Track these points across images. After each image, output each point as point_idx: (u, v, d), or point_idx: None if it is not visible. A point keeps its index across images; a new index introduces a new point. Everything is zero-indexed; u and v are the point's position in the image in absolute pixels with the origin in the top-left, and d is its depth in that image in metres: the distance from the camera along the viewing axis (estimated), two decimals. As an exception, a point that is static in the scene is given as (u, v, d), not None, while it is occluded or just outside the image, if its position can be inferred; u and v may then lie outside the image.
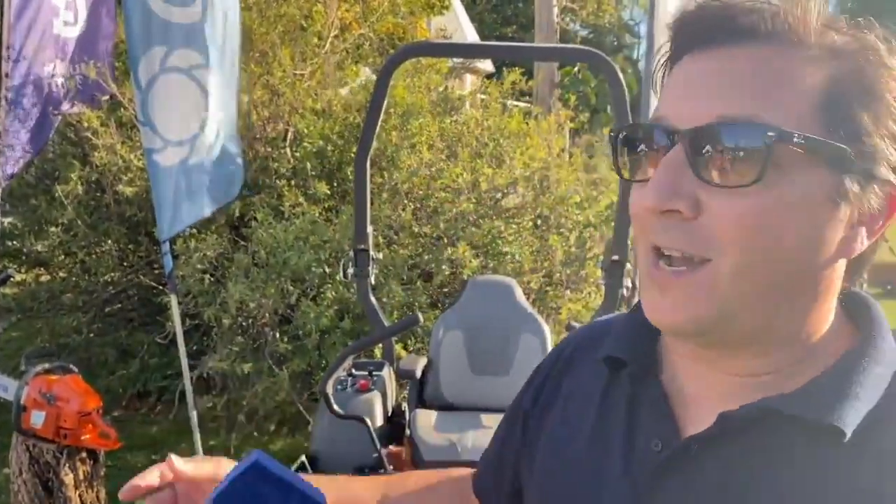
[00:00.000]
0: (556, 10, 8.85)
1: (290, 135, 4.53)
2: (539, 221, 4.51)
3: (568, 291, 4.35)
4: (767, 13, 0.59)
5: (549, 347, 2.97)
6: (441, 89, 4.87)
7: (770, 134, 0.56)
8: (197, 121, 3.01)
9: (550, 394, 0.81)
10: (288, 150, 4.42)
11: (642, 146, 0.64)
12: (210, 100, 3.04)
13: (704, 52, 0.61)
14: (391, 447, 2.79)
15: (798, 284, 0.60)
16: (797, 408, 0.59)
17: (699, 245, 0.59)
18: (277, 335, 3.94)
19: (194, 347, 4.11)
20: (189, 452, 3.96)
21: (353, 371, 2.90)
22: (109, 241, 4.64)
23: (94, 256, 4.71)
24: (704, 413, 0.64)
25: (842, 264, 0.61)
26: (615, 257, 2.96)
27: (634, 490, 0.66)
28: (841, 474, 0.58)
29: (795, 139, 0.56)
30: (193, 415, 3.09)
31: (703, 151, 0.58)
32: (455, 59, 6.07)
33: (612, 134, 0.67)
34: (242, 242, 4.16)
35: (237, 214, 4.29)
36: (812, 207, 0.58)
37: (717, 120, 0.58)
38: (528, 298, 3.18)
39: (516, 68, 5.22)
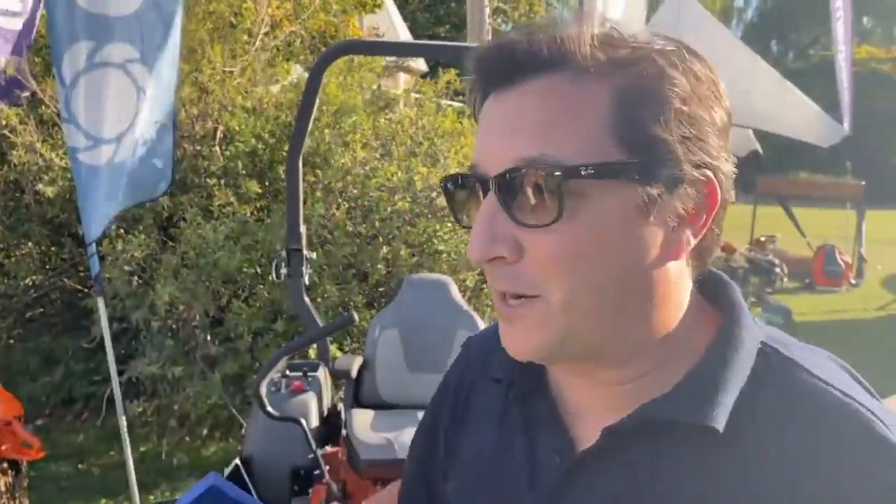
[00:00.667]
0: (488, 11, 8.91)
1: (219, 133, 4.45)
2: (474, 220, 4.54)
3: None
4: (543, 42, 0.59)
5: (485, 344, 3.00)
6: (375, 87, 4.85)
7: (556, 173, 0.57)
8: (129, 117, 2.90)
9: (462, 410, 0.82)
10: (217, 148, 4.34)
11: (466, 195, 0.66)
12: (144, 96, 2.94)
13: (501, 92, 0.62)
14: (327, 448, 2.77)
15: (633, 296, 0.62)
16: (669, 412, 0.61)
17: (525, 285, 0.61)
18: (208, 338, 3.86)
19: (122, 351, 4.00)
20: (118, 460, 3.85)
21: (288, 372, 2.87)
22: (30, 244, 4.47)
23: (13, 259, 4.53)
24: (594, 425, 0.66)
25: (675, 266, 0.62)
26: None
27: (554, 483, 0.68)
28: (721, 470, 0.60)
29: (583, 172, 0.57)
30: (123, 421, 3.00)
31: (512, 195, 0.59)
32: (389, 58, 6.05)
33: (441, 185, 0.69)
34: (171, 243, 4.06)
35: (165, 214, 4.18)
36: (622, 225, 0.59)
37: (514, 164, 0.59)
38: (463, 296, 3.20)
39: (451, 68, 5.24)
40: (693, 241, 0.62)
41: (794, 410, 0.60)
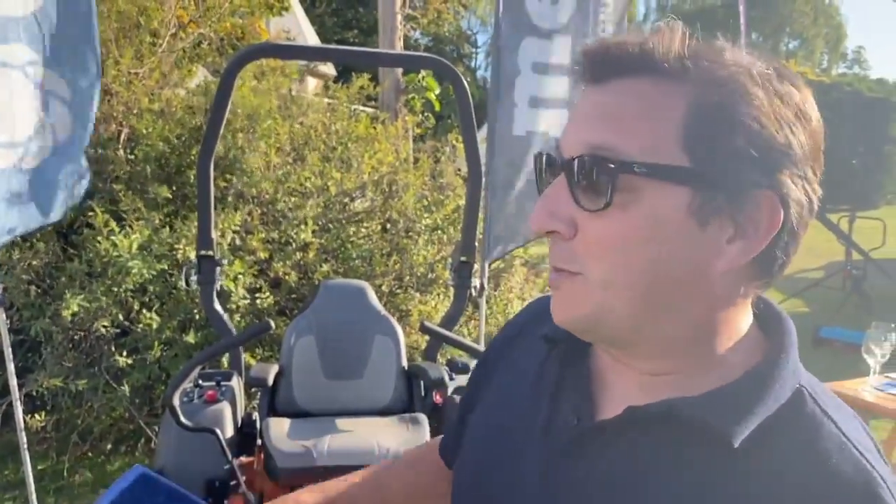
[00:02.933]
0: (399, 17, 8.93)
1: (124, 136, 4.29)
2: (388, 225, 4.55)
3: (418, 294, 4.42)
4: (635, 46, 0.64)
5: (403, 349, 3.01)
6: (288, 91, 4.79)
7: (611, 165, 0.62)
8: (32, 122, 2.74)
9: (499, 358, 0.89)
10: (122, 152, 4.19)
11: (546, 169, 0.71)
12: (50, 99, 2.79)
13: (593, 87, 0.67)
14: (242, 458, 2.72)
15: (671, 294, 0.65)
16: (695, 411, 0.64)
17: (571, 261, 0.67)
18: (114, 349, 3.72)
19: (20, 364, 3.79)
20: (14, 479, 3.65)
21: (200, 382, 2.80)
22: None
23: None
24: (618, 400, 0.70)
25: (724, 277, 0.65)
26: (463, 258, 3.04)
27: (548, 456, 0.72)
28: (725, 479, 0.63)
29: (636, 168, 0.62)
30: (23, 436, 2.85)
31: (576, 179, 0.65)
32: (300, 62, 5.99)
33: (535, 157, 0.74)
34: (73, 251, 3.89)
35: (67, 221, 4.00)
36: (673, 225, 0.63)
37: (582, 150, 0.65)
38: (379, 301, 3.20)
39: (364, 73, 5.24)
40: (745, 258, 0.64)
41: (809, 454, 0.62)
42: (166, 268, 3.73)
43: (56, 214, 2.83)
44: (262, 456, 2.62)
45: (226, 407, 2.67)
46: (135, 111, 4.29)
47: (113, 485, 0.71)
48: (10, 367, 2.81)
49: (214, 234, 2.88)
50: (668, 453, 0.66)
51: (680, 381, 0.68)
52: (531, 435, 0.75)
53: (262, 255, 3.99)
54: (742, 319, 0.69)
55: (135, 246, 3.56)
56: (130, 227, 3.71)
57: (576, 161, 0.64)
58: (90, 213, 3.76)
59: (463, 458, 0.87)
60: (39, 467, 3.85)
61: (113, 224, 3.68)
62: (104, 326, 3.58)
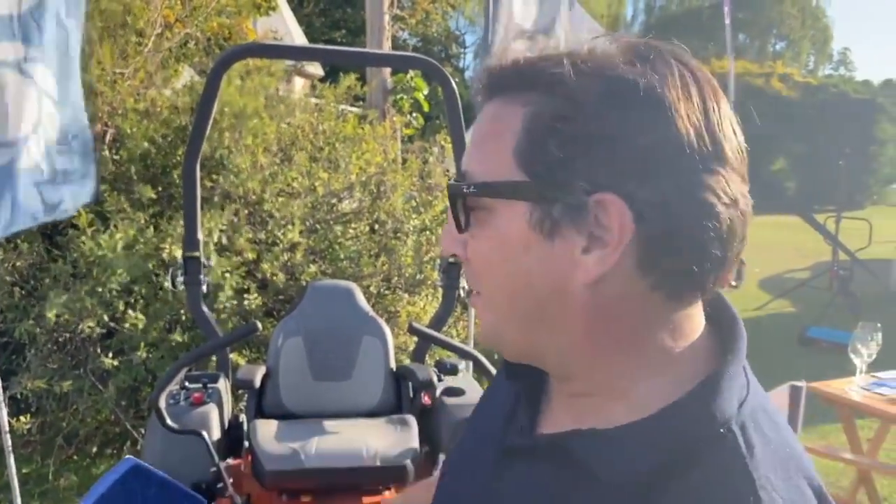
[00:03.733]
0: (387, 17, 8.92)
1: (109, 136, 4.26)
2: (376, 226, 4.53)
3: (406, 295, 4.40)
4: (495, 68, 0.66)
5: (391, 350, 2.99)
6: (275, 91, 4.77)
7: (454, 188, 0.66)
8: (30, 120, 2.70)
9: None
10: (108, 152, 4.15)
11: None
12: (44, 97, 2.76)
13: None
14: (230, 460, 2.70)
15: (543, 309, 0.63)
16: (587, 452, 0.61)
17: (472, 281, 0.70)
18: (100, 350, 3.69)
19: (3, 367, 3.76)
20: (0, 481, 3.62)
21: (187, 384, 2.78)
22: None
23: None
24: (551, 421, 0.72)
25: (597, 288, 0.61)
26: (451, 259, 3.03)
27: (488, 468, 0.74)
28: None
29: (468, 189, 0.64)
30: (7, 439, 2.82)
31: (451, 202, 0.67)
32: (287, 62, 5.96)
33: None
34: (58, 252, 3.85)
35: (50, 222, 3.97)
36: (520, 241, 0.62)
37: (455, 177, 0.69)
38: (368, 302, 3.18)
39: (352, 73, 5.22)
40: (603, 267, 0.59)
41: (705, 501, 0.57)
42: (152, 268, 3.71)
43: (61, 212, 2.81)
44: (250, 458, 2.60)
45: (212, 409, 2.65)
46: (120, 111, 4.26)
47: (104, 476, 0.71)
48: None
49: (201, 235, 2.86)
50: (564, 488, 0.63)
51: (599, 406, 0.65)
52: (487, 448, 0.77)
53: (250, 255, 3.96)
54: (664, 341, 0.63)
55: (119, 246, 3.53)
56: (115, 227, 3.68)
57: (447, 188, 0.68)
58: (75, 214, 3.73)
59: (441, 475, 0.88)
60: (24, 471, 3.81)
61: (96, 224, 3.66)
62: (89, 327, 3.55)
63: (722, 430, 0.59)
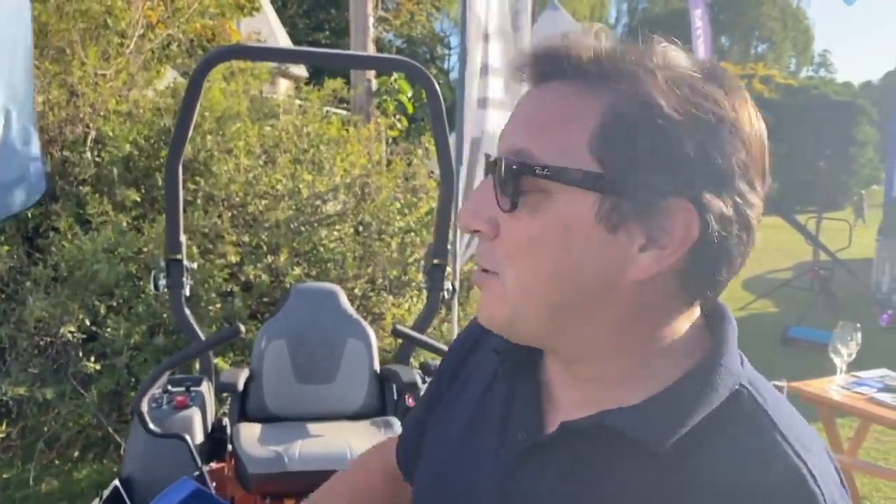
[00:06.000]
0: (371, 19, 8.91)
1: (91, 138, 4.23)
2: (361, 228, 4.53)
3: (391, 297, 4.40)
4: (563, 50, 0.65)
5: (375, 352, 2.99)
6: (259, 93, 4.75)
7: (514, 167, 0.64)
8: None
9: (457, 370, 0.89)
10: (89, 154, 4.12)
11: (486, 170, 0.71)
12: None
13: (532, 89, 0.68)
14: (213, 464, 2.69)
15: (584, 301, 0.65)
16: (622, 424, 0.64)
17: (490, 262, 0.68)
18: (81, 354, 3.66)
19: (-18, 372, 3.72)
20: (-22, 488, 3.57)
21: (170, 387, 2.76)
22: None
23: None
24: (562, 413, 0.71)
25: (642, 286, 0.64)
26: (436, 261, 3.03)
27: (499, 474, 0.72)
28: (656, 488, 0.63)
29: (538, 171, 0.63)
30: (-14, 446, 2.79)
31: (496, 180, 0.66)
32: (271, 64, 5.95)
33: (485, 156, 0.74)
34: (38, 255, 3.82)
35: (32, 224, 3.93)
36: (580, 230, 0.63)
37: (505, 153, 0.66)
38: (352, 305, 3.18)
39: (337, 75, 5.22)
40: (658, 268, 0.63)
41: (741, 455, 0.62)
42: (134, 271, 3.68)
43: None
44: (233, 462, 2.59)
45: (195, 413, 2.64)
46: (101, 113, 4.22)
47: (163, 495, 0.71)
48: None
49: (183, 238, 2.85)
50: (601, 467, 0.66)
51: (614, 391, 0.68)
52: (484, 453, 0.76)
53: (233, 258, 3.95)
54: (679, 327, 0.68)
55: (100, 248, 3.50)
56: (97, 230, 3.66)
57: (496, 162, 0.66)
58: (55, 217, 3.70)
59: (422, 476, 0.86)
60: (4, 476, 3.77)
61: (77, 228, 3.63)
62: (70, 332, 3.52)
63: (737, 387, 0.65)
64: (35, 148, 2.83)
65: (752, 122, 0.63)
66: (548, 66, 0.66)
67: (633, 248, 0.63)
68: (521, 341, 0.71)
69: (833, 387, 3.12)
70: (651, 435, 0.63)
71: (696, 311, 0.69)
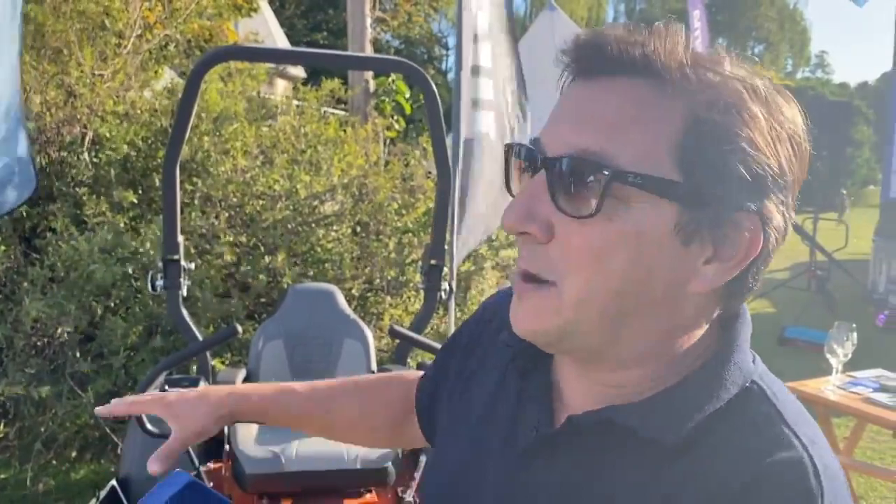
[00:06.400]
0: (368, 20, 8.92)
1: (88, 139, 4.23)
2: (358, 228, 4.53)
3: (388, 297, 4.40)
4: (640, 48, 0.61)
5: (373, 353, 2.99)
6: (256, 94, 4.76)
7: (605, 172, 0.59)
8: None
9: (468, 358, 0.87)
10: (87, 155, 4.12)
11: (522, 164, 0.67)
12: None
13: (587, 81, 0.63)
14: (210, 464, 2.69)
15: (644, 311, 0.63)
16: (629, 418, 0.64)
17: (546, 267, 0.63)
18: (78, 354, 3.66)
19: (-21, 373, 3.72)
20: (-24, 489, 3.57)
21: (167, 388, 2.76)
22: None
23: None
24: (574, 409, 0.70)
25: (698, 297, 0.63)
26: (433, 261, 3.03)
27: (507, 466, 0.72)
28: (663, 482, 0.62)
29: (630, 179, 0.58)
30: (-17, 446, 2.79)
31: (559, 180, 0.61)
32: (269, 64, 5.96)
33: (505, 147, 0.70)
34: (35, 255, 3.82)
35: (29, 225, 3.93)
36: (655, 240, 0.60)
37: (572, 152, 0.61)
38: (349, 305, 3.18)
39: (335, 76, 5.22)
40: (720, 280, 0.62)
41: (749, 451, 0.61)
42: (131, 271, 3.68)
43: None
44: (230, 462, 2.59)
45: (192, 413, 2.64)
46: (99, 113, 4.23)
47: (157, 488, 0.73)
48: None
49: (181, 239, 2.85)
50: (608, 460, 0.65)
51: (627, 393, 0.67)
52: (495, 447, 0.76)
53: (230, 258, 3.95)
54: (703, 333, 0.67)
55: (97, 249, 3.51)
56: (93, 230, 3.66)
57: (562, 162, 0.61)
58: (52, 217, 3.70)
59: (433, 471, 0.86)
60: (2, 476, 3.77)
61: (73, 228, 3.63)
62: (67, 332, 3.52)
63: (748, 384, 0.65)
64: (23, 146, 2.82)
65: (805, 135, 0.63)
66: (611, 60, 0.61)
67: (701, 260, 0.62)
68: (559, 351, 0.69)
69: (829, 387, 3.12)
70: (657, 430, 0.63)
71: (713, 321, 0.68)
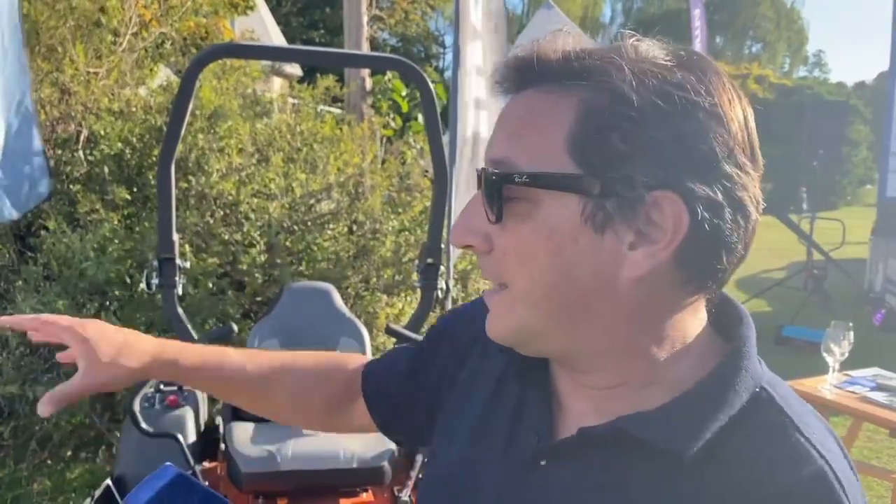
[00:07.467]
0: (365, 18, 8.91)
1: (83, 136, 4.21)
2: (354, 227, 4.52)
3: (385, 296, 4.39)
4: (532, 56, 0.64)
5: (369, 352, 2.98)
6: (251, 91, 4.74)
7: (493, 177, 0.63)
8: None
9: (461, 363, 0.86)
10: (81, 152, 4.10)
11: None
12: None
13: (511, 100, 0.68)
14: (205, 463, 2.68)
15: (586, 305, 0.64)
16: (643, 431, 0.63)
17: (495, 274, 0.67)
18: (74, 353, 3.64)
19: (-28, 372, 3.70)
20: (-30, 488, 3.56)
21: (162, 387, 2.75)
22: None
23: None
24: (576, 419, 0.70)
25: (641, 284, 0.62)
26: (430, 260, 3.02)
27: (506, 475, 0.71)
28: (678, 495, 0.62)
29: (525, 179, 0.62)
30: (-23, 445, 2.78)
31: (484, 192, 0.65)
32: (264, 62, 5.94)
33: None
34: (30, 254, 3.80)
35: (24, 223, 3.91)
36: (569, 234, 0.62)
37: (486, 165, 0.65)
38: (346, 304, 3.17)
39: (330, 74, 5.21)
40: (652, 263, 0.61)
41: (765, 461, 0.61)
42: (126, 270, 3.67)
43: (14, 214, 2.75)
44: (226, 461, 2.59)
45: (188, 412, 2.63)
46: (94, 111, 4.21)
47: (145, 481, 0.72)
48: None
49: (176, 237, 2.83)
50: (620, 473, 0.65)
51: (631, 395, 0.67)
52: (492, 457, 0.74)
53: (226, 257, 3.94)
54: (688, 325, 0.67)
55: (90, 247, 3.49)
56: (84, 227, 3.64)
57: (482, 175, 0.65)
58: (46, 215, 3.69)
59: (428, 478, 0.85)
60: (-4, 475, 3.76)
61: (65, 226, 3.61)
62: (63, 331, 3.51)
63: (757, 390, 0.65)
64: (37, 142, 2.81)
65: (732, 103, 0.61)
66: (522, 75, 0.65)
67: (623, 247, 0.62)
68: (534, 353, 0.70)
69: (826, 386, 3.12)
70: (674, 442, 0.62)
71: (702, 307, 0.68)
